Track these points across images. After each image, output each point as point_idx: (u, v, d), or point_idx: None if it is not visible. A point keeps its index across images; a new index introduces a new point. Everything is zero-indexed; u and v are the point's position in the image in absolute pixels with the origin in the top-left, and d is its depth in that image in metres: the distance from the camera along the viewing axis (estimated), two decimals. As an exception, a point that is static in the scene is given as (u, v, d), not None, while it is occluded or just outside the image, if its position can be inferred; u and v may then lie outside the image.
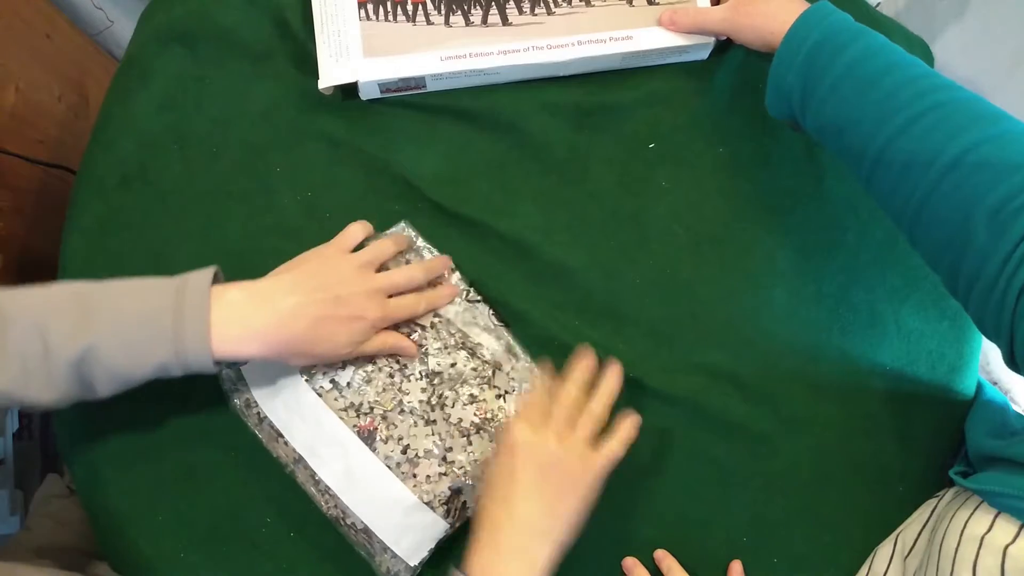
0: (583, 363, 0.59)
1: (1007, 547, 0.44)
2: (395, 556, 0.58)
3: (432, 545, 0.59)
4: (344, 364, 0.60)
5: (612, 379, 0.59)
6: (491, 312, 0.65)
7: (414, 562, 0.58)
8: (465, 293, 0.65)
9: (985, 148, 0.46)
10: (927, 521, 0.55)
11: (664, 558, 0.62)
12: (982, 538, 0.45)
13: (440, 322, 0.63)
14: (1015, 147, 0.46)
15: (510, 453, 0.54)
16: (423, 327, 0.62)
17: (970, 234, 0.46)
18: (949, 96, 0.49)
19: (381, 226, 0.66)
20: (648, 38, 0.67)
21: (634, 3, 0.68)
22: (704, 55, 0.70)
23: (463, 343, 0.63)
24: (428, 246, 0.65)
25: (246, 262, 0.67)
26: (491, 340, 0.64)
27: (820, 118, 0.56)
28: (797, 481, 0.64)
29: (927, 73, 0.52)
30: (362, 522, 0.58)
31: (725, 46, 0.71)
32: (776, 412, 0.64)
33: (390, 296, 0.59)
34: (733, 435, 0.64)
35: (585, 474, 0.54)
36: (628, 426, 0.57)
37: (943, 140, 0.48)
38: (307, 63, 0.68)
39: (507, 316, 0.66)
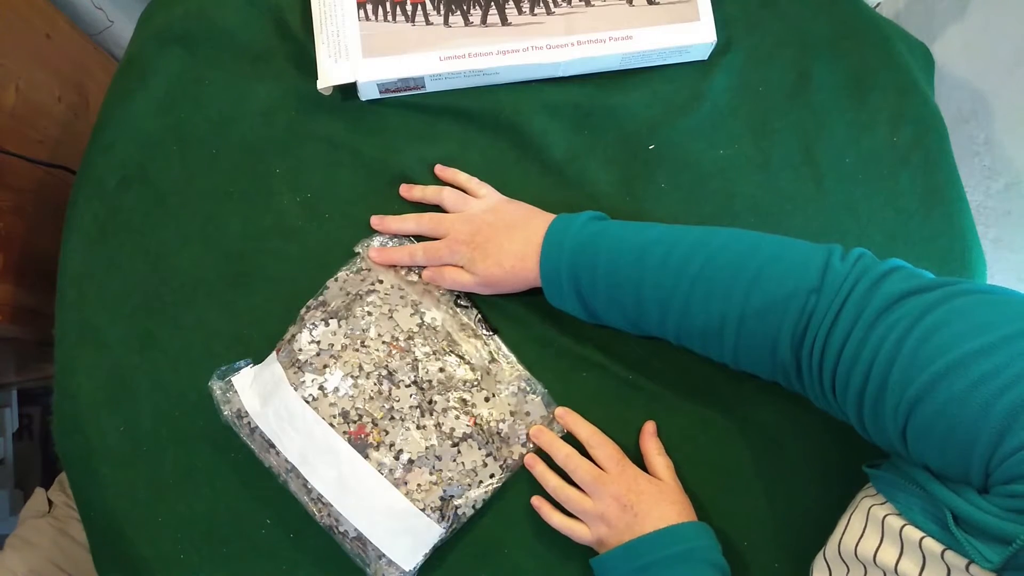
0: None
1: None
2: (390, 562, 0.58)
3: (427, 550, 0.59)
4: (332, 370, 0.60)
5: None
6: (479, 318, 0.65)
7: (408, 567, 0.58)
8: (454, 298, 0.65)
9: (756, 296, 0.51)
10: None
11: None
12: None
13: (428, 328, 0.63)
14: (776, 283, 0.51)
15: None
16: (412, 334, 0.62)
17: (785, 365, 0.52)
18: (700, 264, 0.53)
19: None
20: (648, 38, 0.67)
21: (634, 3, 0.68)
22: (704, 55, 0.70)
23: (451, 349, 0.63)
24: None
25: (246, 263, 0.67)
26: (479, 346, 0.64)
27: (613, 323, 0.61)
28: (800, 484, 0.63)
29: (672, 245, 0.55)
30: (355, 529, 0.58)
31: (726, 47, 0.71)
32: (779, 413, 0.64)
33: None
34: (733, 437, 0.64)
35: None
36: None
37: (721, 305, 0.53)
38: (306, 64, 0.68)
39: (504, 318, 0.66)
